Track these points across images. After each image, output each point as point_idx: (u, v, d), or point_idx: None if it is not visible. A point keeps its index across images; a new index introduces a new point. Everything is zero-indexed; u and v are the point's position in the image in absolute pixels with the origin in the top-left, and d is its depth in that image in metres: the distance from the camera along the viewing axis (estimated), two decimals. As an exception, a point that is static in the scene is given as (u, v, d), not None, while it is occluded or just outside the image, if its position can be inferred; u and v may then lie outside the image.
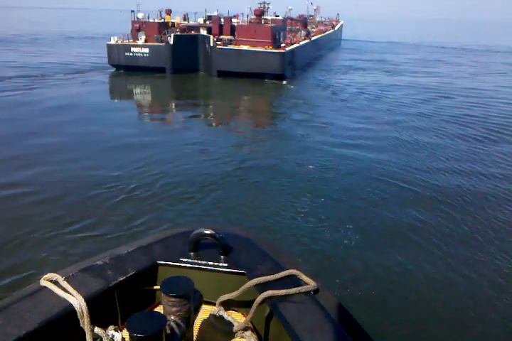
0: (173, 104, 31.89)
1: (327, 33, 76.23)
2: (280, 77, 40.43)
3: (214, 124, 25.87)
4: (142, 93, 36.21)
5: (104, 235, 10.95)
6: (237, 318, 3.16)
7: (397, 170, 16.43)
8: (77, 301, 2.67)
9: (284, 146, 19.84)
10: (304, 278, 3.13)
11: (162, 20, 46.09)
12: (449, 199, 13.92)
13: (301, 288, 2.98)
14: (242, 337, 2.92)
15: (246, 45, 41.03)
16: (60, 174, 15.25)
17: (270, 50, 40.24)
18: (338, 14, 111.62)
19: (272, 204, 13.13)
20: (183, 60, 42.75)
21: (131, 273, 3.15)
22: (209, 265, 3.24)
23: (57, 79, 35.95)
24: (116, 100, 33.16)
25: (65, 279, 2.91)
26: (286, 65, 40.92)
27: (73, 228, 11.34)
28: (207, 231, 3.28)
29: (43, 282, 2.89)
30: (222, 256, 3.32)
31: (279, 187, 14.50)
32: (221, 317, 3.09)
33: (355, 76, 43.75)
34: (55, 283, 2.88)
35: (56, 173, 15.28)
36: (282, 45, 43.29)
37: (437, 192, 14.47)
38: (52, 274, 2.94)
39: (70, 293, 2.75)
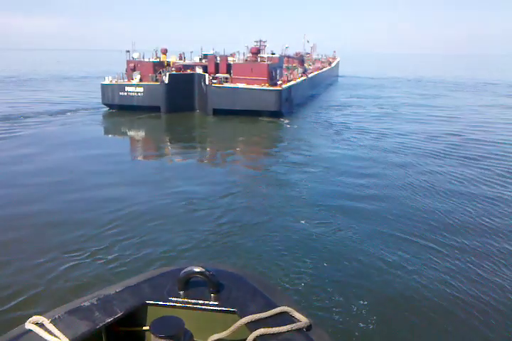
0: (164, 148, 29.87)
1: (324, 69, 76.66)
2: (277, 114, 39.54)
3: (205, 170, 23.02)
4: (132, 136, 34.51)
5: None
6: None
7: (409, 227, 14.23)
8: None
9: (278, 197, 17.45)
10: (297, 314, 3.08)
11: (157, 59, 45.86)
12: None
13: (294, 325, 2.95)
14: None
15: (242, 82, 40.44)
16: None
17: (267, 87, 39.56)
18: (334, 51, 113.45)
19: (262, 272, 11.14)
20: (178, 99, 42.09)
21: (119, 314, 3.07)
22: (199, 304, 3.17)
23: (39, 122, 34.06)
24: (101, 143, 29.90)
25: (51, 322, 2.88)
26: (283, 102, 40.14)
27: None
28: (196, 269, 3.19)
29: (29, 325, 2.86)
30: (212, 294, 3.24)
31: (269, 252, 12.36)
32: None
33: (353, 114, 42.55)
34: (41, 326, 2.86)
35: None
36: (279, 82, 42.73)
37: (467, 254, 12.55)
38: (37, 317, 2.92)
39: (56, 336, 2.74)
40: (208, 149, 29.89)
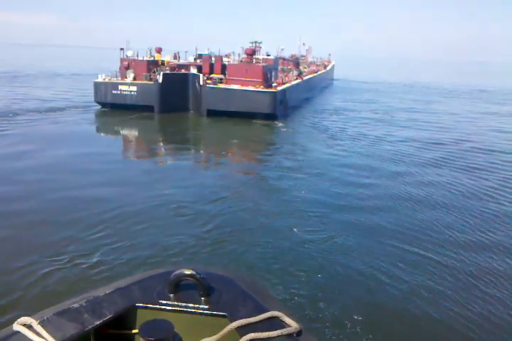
0: (155, 150, 29.18)
1: (319, 72, 76.54)
2: (271, 116, 39.20)
3: (196, 174, 22.12)
4: (124, 136, 34.09)
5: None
6: None
7: (406, 239, 13.73)
8: None
9: (269, 202, 16.98)
10: (287, 319, 3.07)
11: (152, 58, 45.30)
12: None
13: (284, 330, 2.94)
14: None
15: (237, 84, 40.06)
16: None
17: (261, 89, 39.23)
18: (329, 54, 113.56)
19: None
20: (172, 99, 41.61)
21: (108, 317, 3.05)
22: (189, 307, 3.14)
23: (29, 120, 33.16)
24: (90, 142, 28.81)
25: (39, 323, 2.86)
26: (278, 104, 39.80)
27: None
28: (187, 272, 3.17)
29: (17, 326, 2.84)
30: (202, 298, 3.21)
31: (259, 260, 11.97)
32: None
33: (348, 118, 42.26)
34: (29, 327, 2.83)
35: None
36: (274, 84, 42.40)
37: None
38: (26, 318, 2.88)
39: (44, 338, 2.73)
40: (201, 152, 29.36)
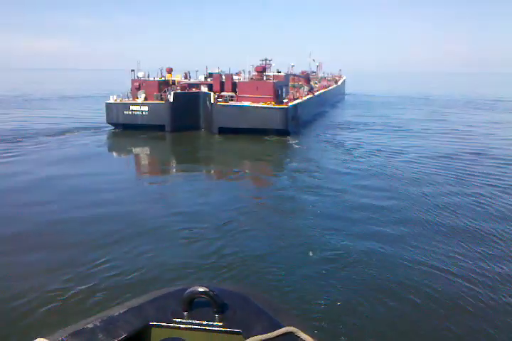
0: (167, 170, 28.59)
1: (330, 88, 76.28)
2: (284, 132, 38.73)
3: (209, 195, 20.88)
4: (135, 155, 33.82)
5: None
6: None
7: (429, 276, 12.11)
8: None
9: (285, 225, 16.09)
10: (303, 335, 3.04)
11: (162, 78, 45.53)
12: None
13: None
14: None
15: (248, 101, 39.84)
16: None
17: (273, 105, 38.90)
18: (340, 70, 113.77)
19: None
20: (183, 118, 41.54)
21: (123, 336, 3.03)
22: (203, 325, 3.12)
23: (40, 142, 33.14)
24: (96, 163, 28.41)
25: None
26: (290, 120, 39.37)
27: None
28: (201, 289, 3.12)
29: None
30: (216, 315, 3.16)
31: (274, 287, 11.13)
32: None
33: (362, 133, 41.24)
34: None
35: None
36: (285, 100, 42.08)
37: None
38: (41, 339, 2.87)
39: None
40: (213, 172, 28.39)
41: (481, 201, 19.17)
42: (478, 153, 30.37)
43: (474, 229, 15.74)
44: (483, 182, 22.69)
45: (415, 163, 27.65)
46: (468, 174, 24.46)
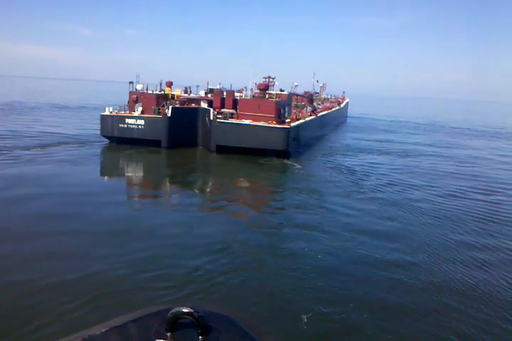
0: (157, 196, 26.31)
1: (333, 109, 75.22)
2: (284, 154, 37.08)
3: (197, 230, 18.71)
4: (127, 177, 31.47)
5: None
6: None
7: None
8: None
9: (278, 272, 14.27)
10: None
11: (161, 92, 44.13)
12: None
13: None
14: None
15: (248, 119, 38.31)
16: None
17: (274, 125, 37.34)
18: (343, 92, 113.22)
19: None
20: (181, 134, 39.92)
21: None
22: None
23: (29, 155, 31.81)
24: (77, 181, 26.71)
25: None
26: (291, 141, 37.76)
27: None
28: (185, 310, 2.91)
29: None
30: (200, 337, 2.97)
31: None
32: None
33: (364, 159, 39.53)
34: None
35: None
36: (287, 120, 40.57)
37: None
38: None
39: None
40: (206, 200, 25.84)
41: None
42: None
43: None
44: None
45: (430, 200, 25.12)
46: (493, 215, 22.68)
